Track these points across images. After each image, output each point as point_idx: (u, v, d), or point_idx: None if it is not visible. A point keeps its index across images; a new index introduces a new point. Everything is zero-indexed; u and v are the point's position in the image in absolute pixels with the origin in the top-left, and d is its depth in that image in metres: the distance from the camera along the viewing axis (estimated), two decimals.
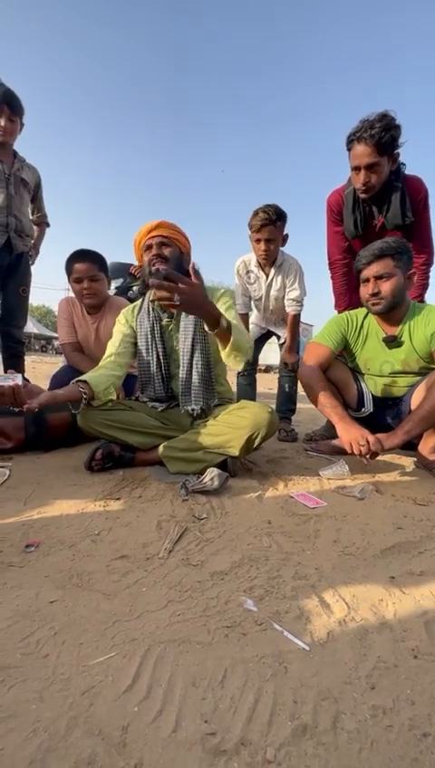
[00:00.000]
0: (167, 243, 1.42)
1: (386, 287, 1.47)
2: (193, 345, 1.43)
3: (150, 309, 1.50)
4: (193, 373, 1.43)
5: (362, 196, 1.72)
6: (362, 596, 0.72)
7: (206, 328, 1.21)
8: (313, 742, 0.43)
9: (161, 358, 1.48)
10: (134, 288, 3.20)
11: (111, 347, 1.52)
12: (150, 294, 1.46)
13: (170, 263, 1.41)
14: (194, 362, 1.43)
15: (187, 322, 1.45)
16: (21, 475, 1.30)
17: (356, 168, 1.66)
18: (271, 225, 1.96)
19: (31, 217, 2.34)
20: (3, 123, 2.02)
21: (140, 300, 1.57)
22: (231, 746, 0.42)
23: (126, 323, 1.55)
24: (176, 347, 1.48)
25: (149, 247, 1.42)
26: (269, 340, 2.46)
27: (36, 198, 2.34)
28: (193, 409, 1.44)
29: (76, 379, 1.33)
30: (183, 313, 1.45)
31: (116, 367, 1.46)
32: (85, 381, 1.32)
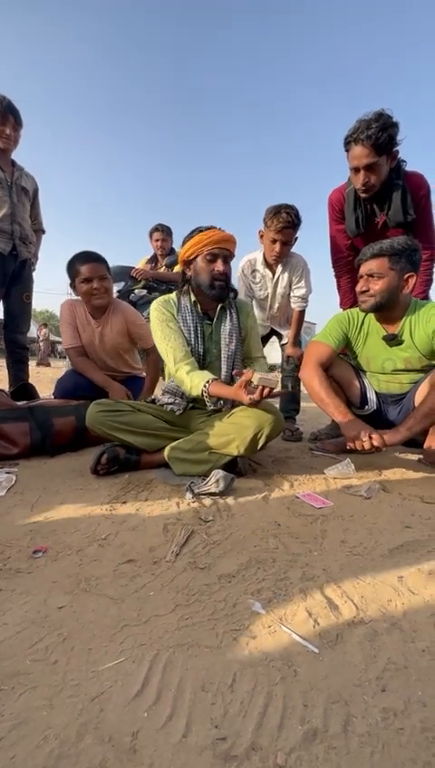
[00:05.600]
0: (229, 260, 1.48)
1: (375, 287, 1.48)
2: (235, 350, 1.52)
3: (192, 309, 1.52)
4: (225, 363, 1.52)
5: (363, 196, 1.71)
6: (371, 597, 0.71)
7: None
8: (323, 746, 0.43)
9: (200, 359, 1.50)
10: (136, 291, 3.20)
11: (178, 341, 1.47)
12: (192, 296, 1.52)
13: (229, 283, 1.50)
14: (234, 364, 1.52)
15: (230, 327, 1.53)
16: (27, 481, 1.31)
17: (355, 169, 1.65)
18: (292, 228, 1.95)
19: None
20: (8, 132, 2.06)
21: (175, 295, 1.57)
22: (241, 751, 0.42)
23: (170, 316, 1.52)
24: (212, 349, 1.54)
25: (214, 256, 1.44)
26: (271, 340, 2.46)
27: (33, 206, 2.36)
28: (223, 403, 1.46)
29: (211, 379, 1.36)
30: (223, 317, 1.54)
31: (196, 362, 1.48)
32: (216, 378, 1.38)
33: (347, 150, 1.64)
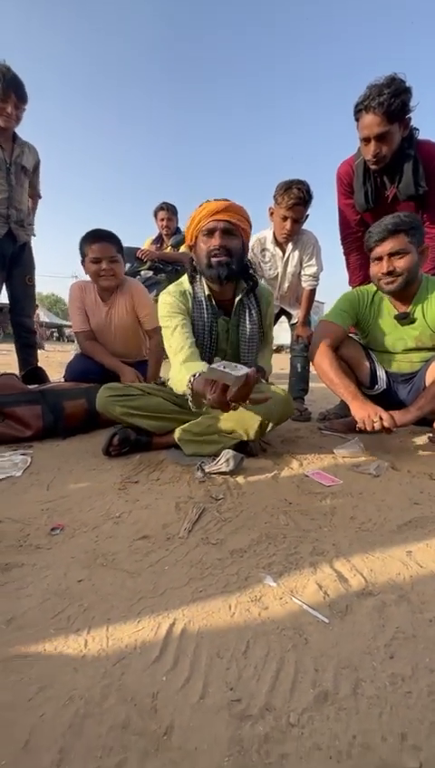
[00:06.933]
0: (233, 232, 1.27)
1: (401, 264, 1.42)
2: (255, 354, 1.43)
3: (207, 303, 1.37)
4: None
5: (373, 167, 1.65)
6: (380, 570, 0.73)
7: None
8: (334, 707, 0.45)
9: (212, 356, 1.41)
10: (142, 272, 3.17)
11: (182, 335, 1.29)
12: (205, 289, 1.35)
13: (234, 260, 1.26)
14: (249, 360, 1.43)
15: (251, 328, 1.39)
16: (42, 462, 1.34)
17: (366, 140, 1.59)
18: (303, 204, 1.89)
19: None
20: (9, 110, 1.97)
21: (190, 285, 1.39)
22: (256, 711, 0.45)
23: (183, 309, 1.35)
24: (227, 349, 1.43)
25: (211, 232, 1.26)
26: (280, 320, 2.43)
27: (33, 177, 2.28)
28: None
29: (197, 373, 1.12)
30: (242, 312, 1.39)
31: (199, 356, 1.30)
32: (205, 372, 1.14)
33: (357, 119, 1.57)
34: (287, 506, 1.01)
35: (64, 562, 0.75)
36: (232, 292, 1.39)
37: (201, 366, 1.16)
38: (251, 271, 1.40)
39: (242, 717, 0.44)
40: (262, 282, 2.19)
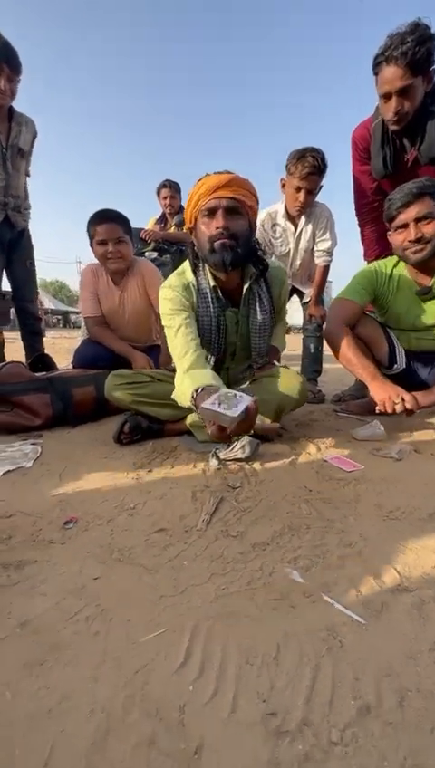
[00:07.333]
0: (238, 210, 1.10)
1: (430, 230, 1.31)
2: (268, 342, 1.32)
3: (212, 296, 1.22)
4: (259, 358, 1.36)
5: (394, 128, 1.53)
6: (414, 563, 0.68)
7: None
8: (379, 722, 0.41)
9: (222, 350, 1.29)
10: (146, 254, 3.08)
11: (186, 336, 1.16)
12: (210, 279, 1.20)
13: (240, 243, 1.10)
14: (261, 348, 1.33)
15: (263, 318, 1.25)
16: (52, 451, 1.31)
17: (386, 96, 1.46)
18: (317, 174, 1.77)
19: None
20: (2, 85, 1.81)
21: (193, 276, 1.24)
22: (293, 727, 0.41)
23: (187, 305, 1.21)
24: (237, 342, 1.31)
25: (212, 212, 1.10)
26: (292, 299, 2.34)
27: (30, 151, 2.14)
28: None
29: (205, 384, 1.01)
30: (252, 301, 1.25)
31: (206, 362, 1.19)
32: (211, 385, 1.02)
33: (376, 74, 1.44)
34: (308, 494, 0.96)
35: (79, 558, 0.71)
36: (239, 278, 1.24)
37: (206, 376, 1.05)
38: (260, 253, 1.24)
39: (278, 734, 0.40)
40: (272, 259, 2.08)
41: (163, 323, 1.25)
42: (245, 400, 0.84)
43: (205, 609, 0.58)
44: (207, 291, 1.22)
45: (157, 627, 0.55)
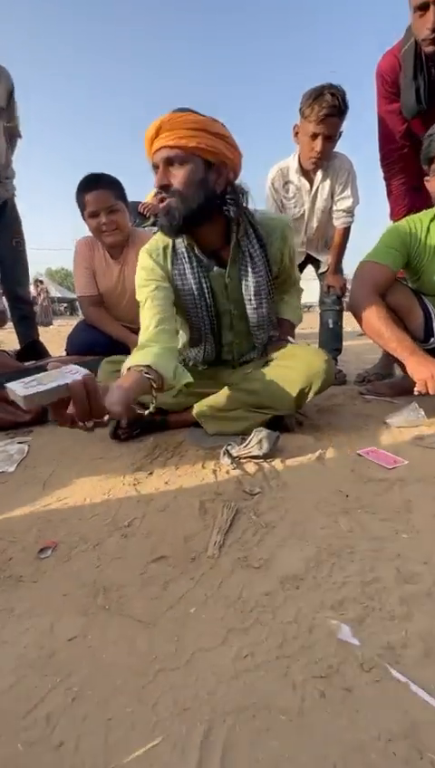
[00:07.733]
0: (178, 159, 0.90)
1: None
2: (268, 311, 1.11)
3: (189, 256, 1.05)
4: (259, 331, 1.15)
5: (430, 49, 1.26)
6: None
7: None
8: None
9: (214, 319, 1.11)
10: (146, 229, 2.86)
11: (150, 311, 1.01)
12: (184, 238, 1.03)
13: (178, 200, 0.91)
14: (263, 322, 1.13)
15: (256, 281, 1.05)
16: (41, 451, 1.14)
17: (422, 6, 1.19)
18: (338, 115, 1.49)
19: None
20: None
21: (170, 240, 1.06)
22: None
23: (160, 274, 1.06)
24: (232, 309, 1.12)
25: (155, 170, 0.94)
26: (306, 269, 2.09)
27: (8, 107, 1.89)
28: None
29: (134, 364, 0.85)
30: (242, 260, 1.05)
31: (170, 338, 0.99)
32: (149, 366, 0.84)
33: None
34: (345, 501, 0.77)
35: (53, 605, 0.54)
36: (221, 234, 1.04)
37: (147, 355, 0.87)
38: (239, 199, 0.98)
39: None
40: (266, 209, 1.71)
41: (136, 298, 1.07)
42: (67, 377, 0.69)
43: (220, 696, 0.40)
44: (183, 250, 1.04)
45: (150, 731, 0.37)
